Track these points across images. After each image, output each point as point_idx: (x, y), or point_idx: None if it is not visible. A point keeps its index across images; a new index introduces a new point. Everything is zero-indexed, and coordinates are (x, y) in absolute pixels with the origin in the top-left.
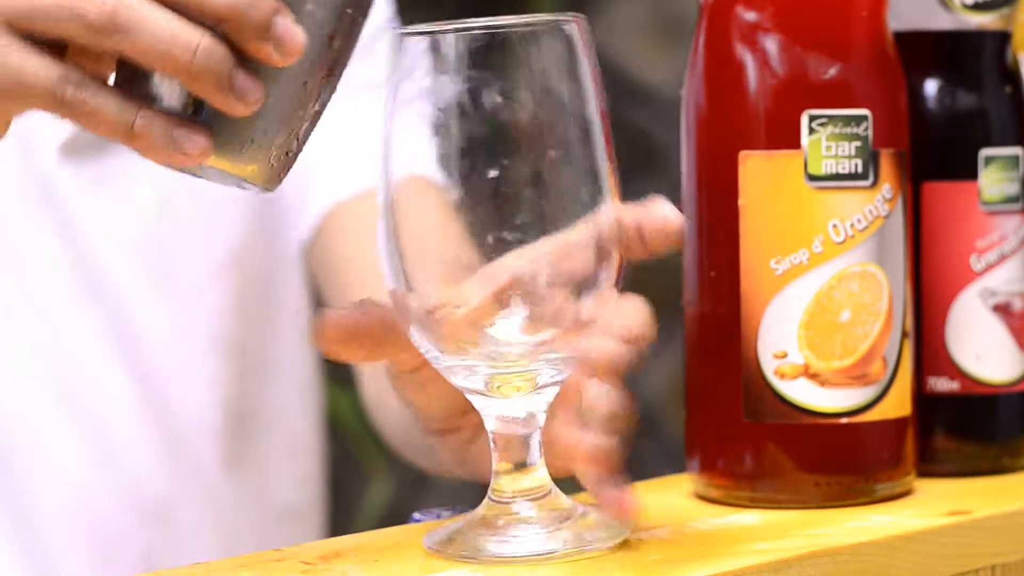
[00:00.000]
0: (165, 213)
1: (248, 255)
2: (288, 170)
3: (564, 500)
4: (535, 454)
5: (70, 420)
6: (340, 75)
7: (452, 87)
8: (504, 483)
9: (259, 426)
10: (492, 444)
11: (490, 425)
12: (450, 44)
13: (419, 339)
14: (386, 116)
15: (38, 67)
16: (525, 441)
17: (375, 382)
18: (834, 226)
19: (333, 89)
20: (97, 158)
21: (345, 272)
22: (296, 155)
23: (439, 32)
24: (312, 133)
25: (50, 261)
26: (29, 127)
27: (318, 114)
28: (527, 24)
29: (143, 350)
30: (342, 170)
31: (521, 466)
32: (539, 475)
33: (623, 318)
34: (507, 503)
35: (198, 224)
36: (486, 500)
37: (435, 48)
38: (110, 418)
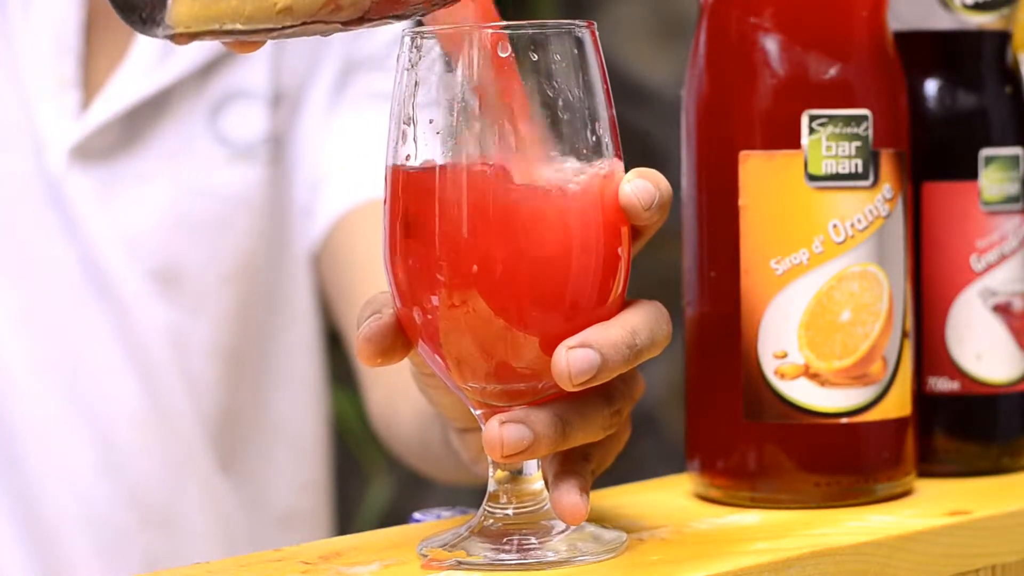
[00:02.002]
0: (174, 219)
1: (255, 262)
2: (193, 34)
3: None
4: (532, 463)
5: (76, 422)
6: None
7: (462, 88)
8: (500, 491)
9: (260, 432)
10: None
11: None
12: (461, 45)
13: (424, 350)
14: (394, 115)
15: None
16: None
17: (385, 392)
18: (834, 226)
19: (295, 33)
20: (107, 162)
21: (355, 278)
22: (209, 31)
23: (451, 33)
24: (226, 37)
25: (59, 264)
26: (42, 129)
27: (258, 28)
28: (540, 28)
29: (148, 354)
30: (355, 176)
31: (518, 475)
32: (536, 485)
33: (635, 317)
34: (502, 511)
35: (207, 231)
36: (482, 507)
37: (443, 47)
38: (115, 421)
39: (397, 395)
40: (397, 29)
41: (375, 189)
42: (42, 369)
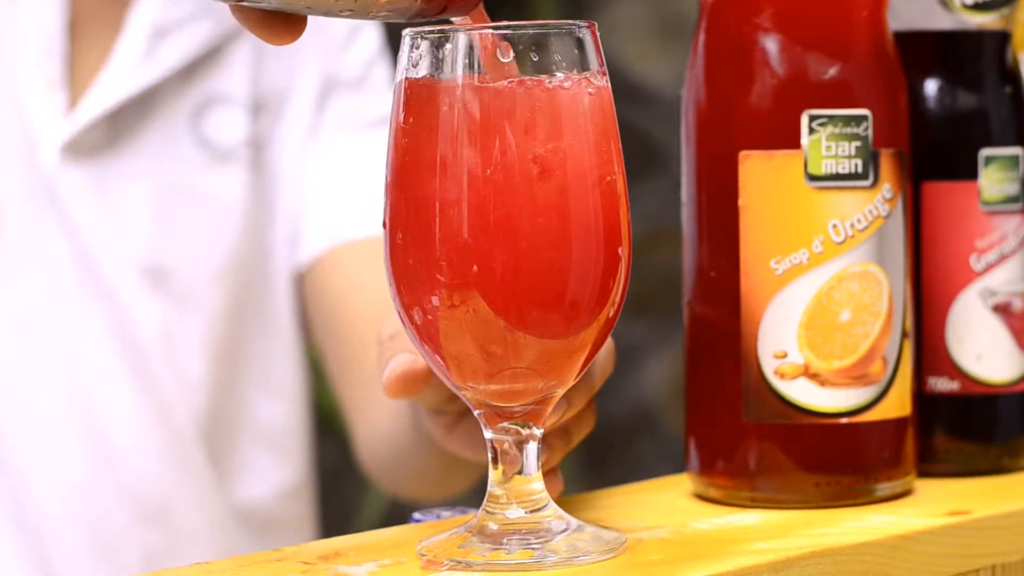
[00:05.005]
0: (160, 218)
1: (241, 263)
2: None
3: (559, 512)
4: (532, 464)
5: (69, 420)
6: None
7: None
8: (500, 491)
9: (243, 434)
10: (489, 452)
11: (488, 434)
12: (461, 45)
13: (427, 356)
14: (394, 113)
15: None
16: (522, 450)
17: (369, 426)
18: (834, 226)
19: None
20: (96, 160)
21: (339, 309)
22: None
23: (451, 33)
24: None
25: (52, 261)
26: (33, 127)
27: None
28: (540, 28)
29: (141, 351)
30: (336, 216)
31: (517, 475)
32: (535, 485)
33: None
34: (502, 511)
35: (192, 231)
36: (482, 507)
37: (444, 47)
38: (108, 418)
39: (380, 422)
40: (374, 49)
41: (355, 230)
42: (34, 366)
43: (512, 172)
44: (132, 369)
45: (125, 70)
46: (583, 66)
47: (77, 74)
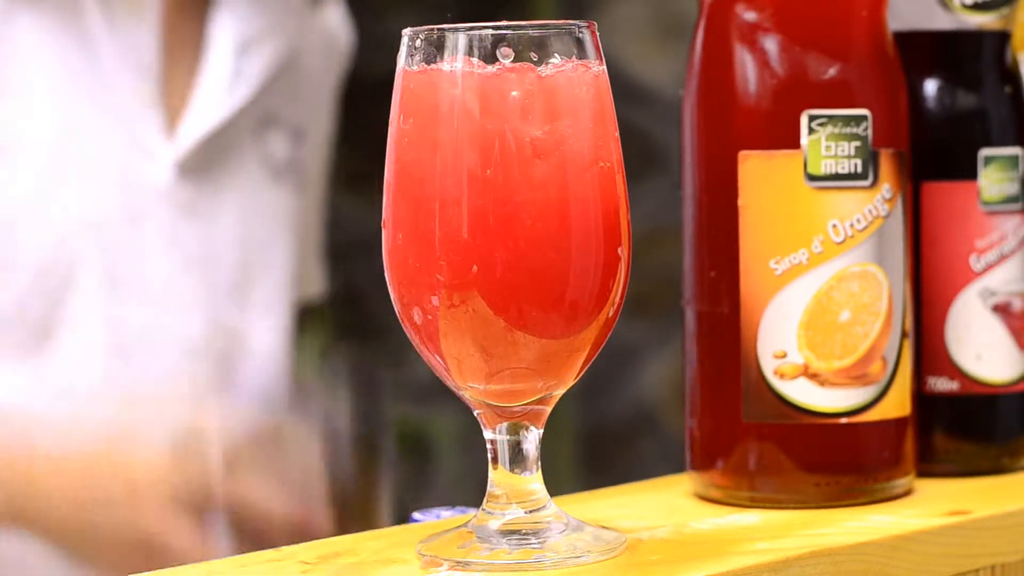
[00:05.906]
0: (243, 231)
1: (297, 281)
2: None
3: (559, 512)
4: (532, 464)
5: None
6: None
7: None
8: (500, 491)
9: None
10: (489, 452)
11: (488, 434)
12: (460, 44)
13: (427, 356)
14: (393, 114)
15: None
16: (522, 450)
17: None
18: (834, 226)
19: None
20: (198, 177)
21: None
22: None
23: (449, 32)
24: None
25: (152, 276)
26: (140, 148)
27: None
28: (540, 28)
29: (229, 362)
30: None
31: (517, 475)
32: (535, 485)
33: None
34: (502, 511)
35: (266, 243)
36: (482, 507)
37: (444, 47)
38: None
39: None
40: None
41: None
42: (134, 384)
43: (510, 163)
44: (220, 379)
45: (220, 89)
46: None
47: (169, 94)
